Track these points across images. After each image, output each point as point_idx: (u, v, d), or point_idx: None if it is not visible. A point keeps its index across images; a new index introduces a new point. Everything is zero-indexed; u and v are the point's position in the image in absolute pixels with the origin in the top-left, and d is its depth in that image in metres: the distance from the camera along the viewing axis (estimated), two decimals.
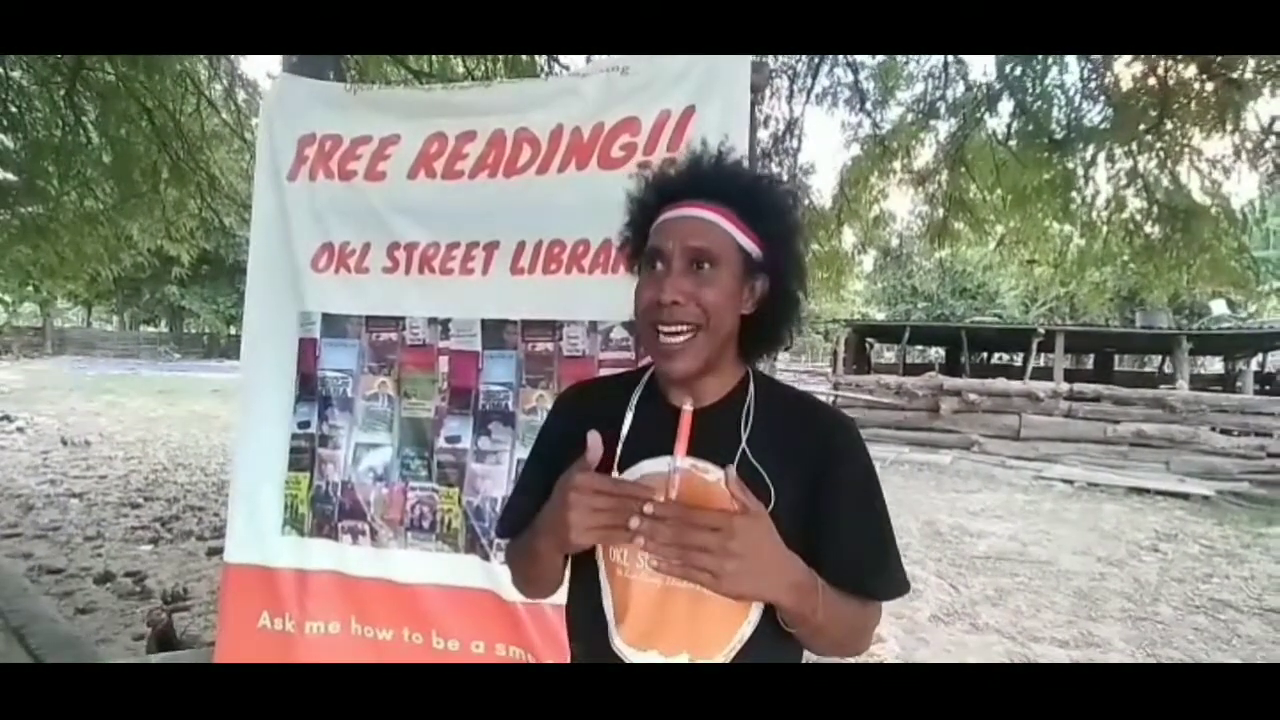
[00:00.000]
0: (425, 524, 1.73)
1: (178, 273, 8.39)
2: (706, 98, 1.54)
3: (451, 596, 1.69)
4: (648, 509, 0.71)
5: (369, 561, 1.74)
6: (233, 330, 31.23)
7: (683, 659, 0.81)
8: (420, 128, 1.76)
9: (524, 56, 4.03)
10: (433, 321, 1.76)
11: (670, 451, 0.81)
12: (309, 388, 1.81)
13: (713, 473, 0.81)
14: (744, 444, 0.81)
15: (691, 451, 0.80)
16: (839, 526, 0.80)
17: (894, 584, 0.82)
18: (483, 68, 4.66)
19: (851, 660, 0.91)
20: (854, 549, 0.80)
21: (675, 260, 0.80)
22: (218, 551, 4.27)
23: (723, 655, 0.80)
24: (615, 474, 0.84)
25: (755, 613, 0.80)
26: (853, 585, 0.79)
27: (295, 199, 1.83)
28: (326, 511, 1.77)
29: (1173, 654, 3.55)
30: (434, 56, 4.17)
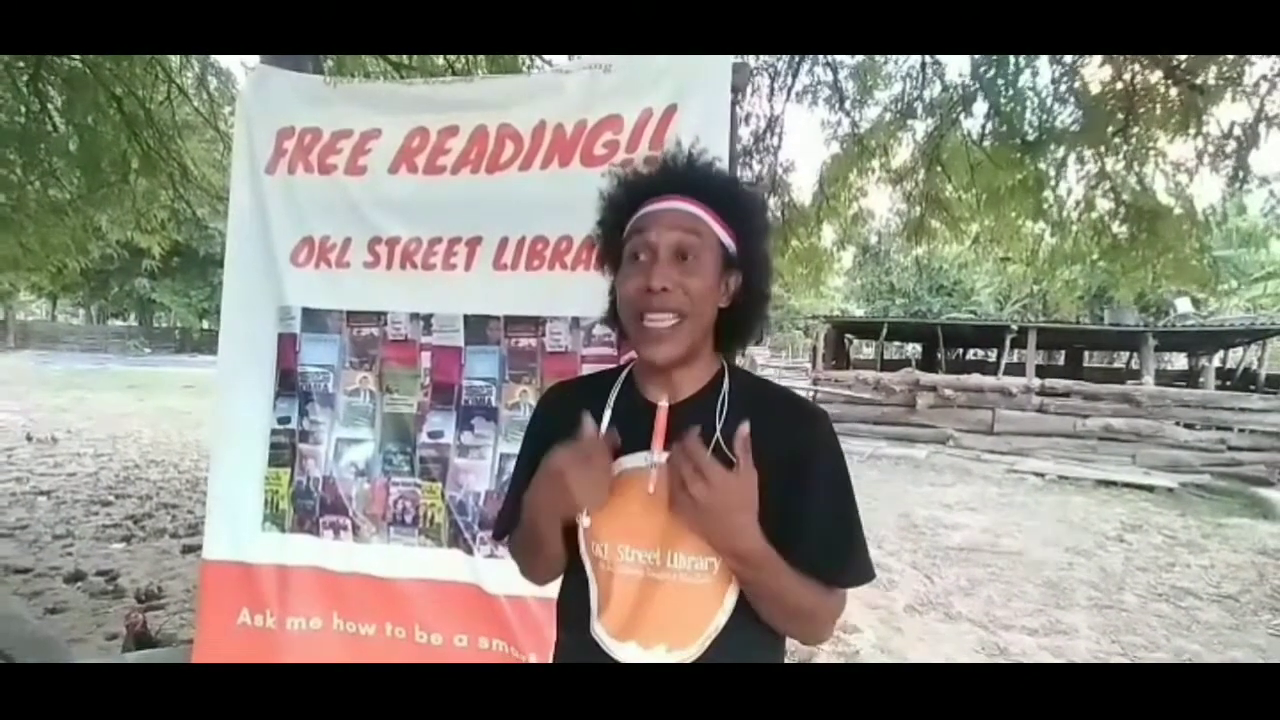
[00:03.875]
0: (408, 519, 1.73)
1: (148, 265, 8.16)
2: (688, 97, 1.56)
3: (434, 591, 1.70)
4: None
5: (351, 557, 1.74)
6: (206, 324, 30.53)
7: (660, 649, 0.83)
8: (401, 122, 1.75)
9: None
10: (415, 317, 1.76)
11: (648, 446, 0.84)
12: (289, 383, 1.80)
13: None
14: (717, 436, 0.84)
15: (668, 446, 0.83)
16: (809, 516, 0.82)
17: (856, 573, 0.85)
18: (462, 60, 4.62)
19: (838, 660, 0.95)
20: (821, 538, 0.82)
21: (661, 250, 0.82)
22: (193, 549, 4.23)
23: (698, 645, 0.82)
24: None
25: (730, 602, 0.83)
26: (816, 572, 0.82)
27: (274, 192, 1.81)
28: (308, 507, 1.76)
29: (1136, 640, 3.68)
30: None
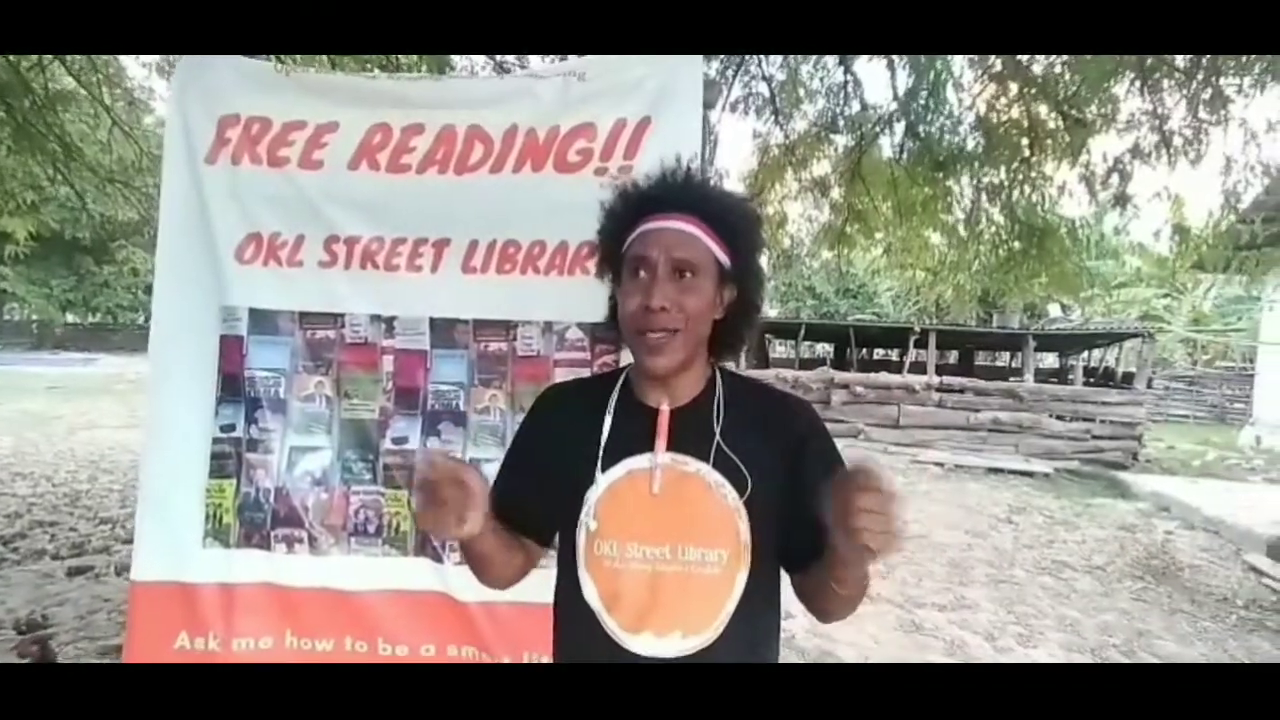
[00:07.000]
0: (370, 528, 1.67)
1: (12, 250, 7.19)
2: (662, 109, 1.61)
3: (400, 601, 1.65)
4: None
5: (307, 570, 1.66)
6: (70, 317, 27.16)
7: (675, 636, 0.87)
8: (361, 116, 1.68)
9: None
10: (376, 319, 1.70)
11: (650, 448, 0.89)
12: (234, 388, 1.68)
13: (691, 465, 0.89)
14: (718, 438, 0.90)
15: (670, 447, 0.88)
16: (816, 492, 0.88)
17: None
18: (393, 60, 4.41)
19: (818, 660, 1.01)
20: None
21: (660, 269, 0.86)
22: (81, 571, 3.81)
23: (712, 630, 0.87)
24: (599, 473, 0.90)
25: (739, 588, 0.88)
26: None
27: (215, 184, 1.69)
28: (257, 520, 1.66)
29: (1027, 610, 4.12)
30: None
